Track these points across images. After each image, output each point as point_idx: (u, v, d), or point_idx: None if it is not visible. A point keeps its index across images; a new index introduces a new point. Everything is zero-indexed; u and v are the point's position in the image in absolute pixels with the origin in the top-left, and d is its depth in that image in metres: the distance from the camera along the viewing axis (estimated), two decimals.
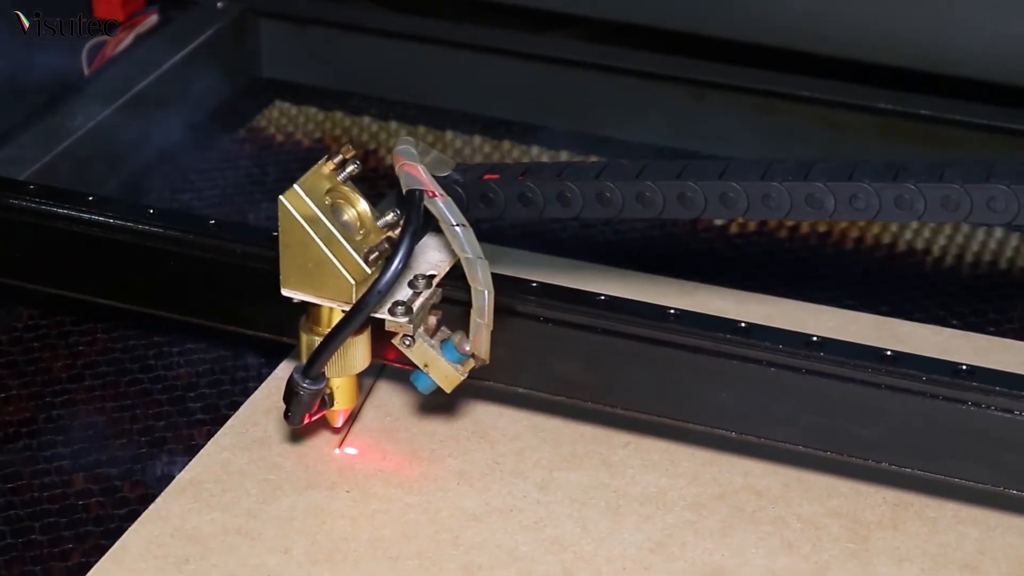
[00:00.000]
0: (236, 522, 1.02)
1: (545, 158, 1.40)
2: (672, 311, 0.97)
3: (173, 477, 1.06)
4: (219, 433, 1.10)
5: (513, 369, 1.00)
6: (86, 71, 1.37)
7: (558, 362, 1.00)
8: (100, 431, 1.10)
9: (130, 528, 1.02)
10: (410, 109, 1.46)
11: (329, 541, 1.01)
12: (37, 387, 1.14)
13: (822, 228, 1.31)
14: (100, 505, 1.05)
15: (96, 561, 1.00)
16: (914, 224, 1.31)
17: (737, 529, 1.02)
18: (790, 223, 1.32)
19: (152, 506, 1.04)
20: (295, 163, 1.40)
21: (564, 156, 1.40)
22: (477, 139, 1.42)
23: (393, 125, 1.44)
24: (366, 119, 1.45)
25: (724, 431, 0.98)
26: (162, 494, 1.05)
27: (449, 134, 1.43)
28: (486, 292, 0.93)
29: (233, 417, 1.11)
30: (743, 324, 0.96)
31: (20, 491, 1.06)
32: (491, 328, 0.95)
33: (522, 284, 1.00)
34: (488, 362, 0.96)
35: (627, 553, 1.00)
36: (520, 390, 1.01)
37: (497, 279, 0.95)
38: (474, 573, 0.99)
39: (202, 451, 1.08)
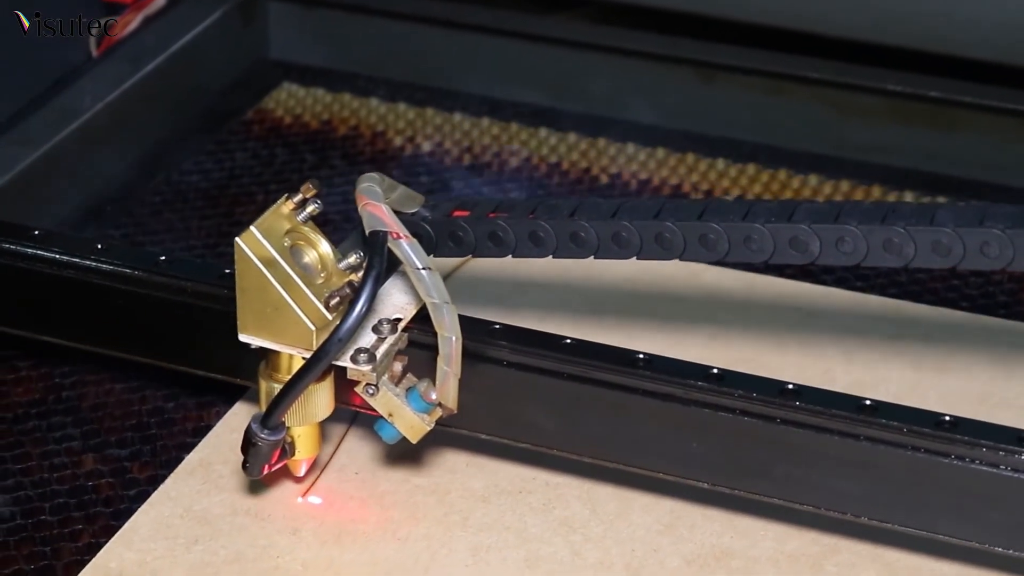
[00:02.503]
0: (245, 503, 1.02)
1: (553, 140, 1.40)
2: (641, 356, 0.94)
3: (182, 459, 1.06)
4: (229, 414, 1.10)
5: (478, 416, 0.96)
6: (94, 53, 1.37)
7: (523, 409, 0.96)
8: (109, 411, 1.10)
9: (139, 509, 1.02)
10: (418, 91, 1.46)
11: (337, 523, 1.01)
12: (47, 367, 1.14)
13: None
14: (110, 486, 1.05)
15: (106, 542, 1.00)
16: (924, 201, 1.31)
17: (745, 512, 1.02)
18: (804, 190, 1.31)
19: (161, 487, 1.04)
20: (303, 144, 1.40)
21: (572, 137, 1.40)
22: (485, 121, 1.42)
23: (401, 107, 1.44)
24: (374, 100, 1.45)
25: (696, 482, 0.94)
26: (171, 475, 1.05)
27: (457, 116, 1.43)
28: (453, 338, 0.89)
29: (243, 398, 1.11)
30: (715, 371, 0.92)
31: (30, 472, 1.06)
32: (459, 376, 0.91)
33: (488, 327, 0.96)
34: (456, 411, 0.92)
35: (635, 535, 1.00)
36: (483, 436, 0.98)
37: (464, 322, 0.90)
38: (482, 555, 1.00)
39: (211, 432, 1.08)
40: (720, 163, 1.36)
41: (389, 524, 1.01)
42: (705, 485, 0.94)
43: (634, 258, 0.93)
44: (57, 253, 1.03)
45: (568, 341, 0.95)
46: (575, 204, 0.95)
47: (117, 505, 1.04)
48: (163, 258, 1.02)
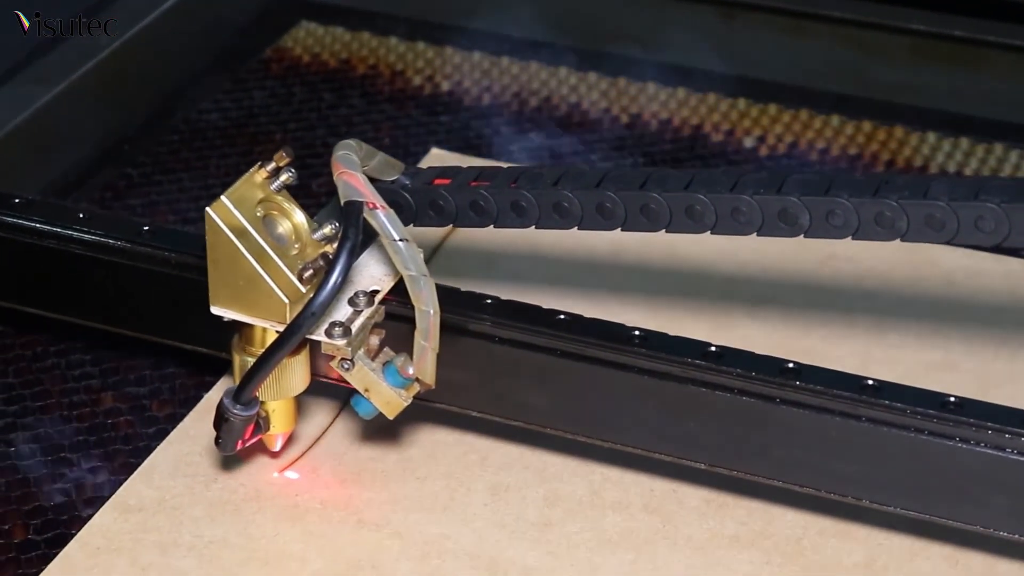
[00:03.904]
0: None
1: (573, 80, 1.39)
2: (637, 332, 0.91)
3: (201, 397, 1.06)
4: None
5: (463, 392, 0.94)
6: None
7: (514, 386, 0.93)
8: (129, 352, 1.10)
9: (159, 447, 1.02)
10: (436, 29, 1.45)
11: (356, 461, 1.01)
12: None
13: (852, 151, 1.30)
14: (128, 424, 1.05)
15: (125, 479, 1.00)
16: (946, 147, 1.30)
17: None
18: (820, 144, 1.31)
19: (180, 425, 1.04)
20: (322, 83, 1.39)
21: (592, 78, 1.39)
22: (505, 60, 1.41)
23: (420, 45, 1.43)
24: (393, 39, 1.44)
25: (692, 463, 0.92)
26: (191, 413, 1.05)
27: (476, 55, 1.42)
28: (431, 311, 0.87)
29: None
30: (714, 348, 0.90)
31: (49, 410, 1.06)
32: (437, 351, 0.88)
33: (474, 300, 0.93)
34: (433, 386, 0.90)
35: (655, 475, 1.00)
36: (473, 414, 0.95)
37: (446, 294, 0.89)
38: (501, 494, 1.00)
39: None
40: (742, 103, 1.36)
41: (408, 463, 1.01)
42: (702, 466, 0.92)
43: (619, 229, 0.90)
44: (38, 222, 1.01)
45: (562, 316, 0.92)
46: (559, 173, 0.92)
47: (136, 443, 1.04)
48: (146, 228, 0.99)
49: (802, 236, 0.87)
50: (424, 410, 1.04)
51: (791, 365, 0.89)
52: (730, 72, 1.38)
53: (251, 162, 1.27)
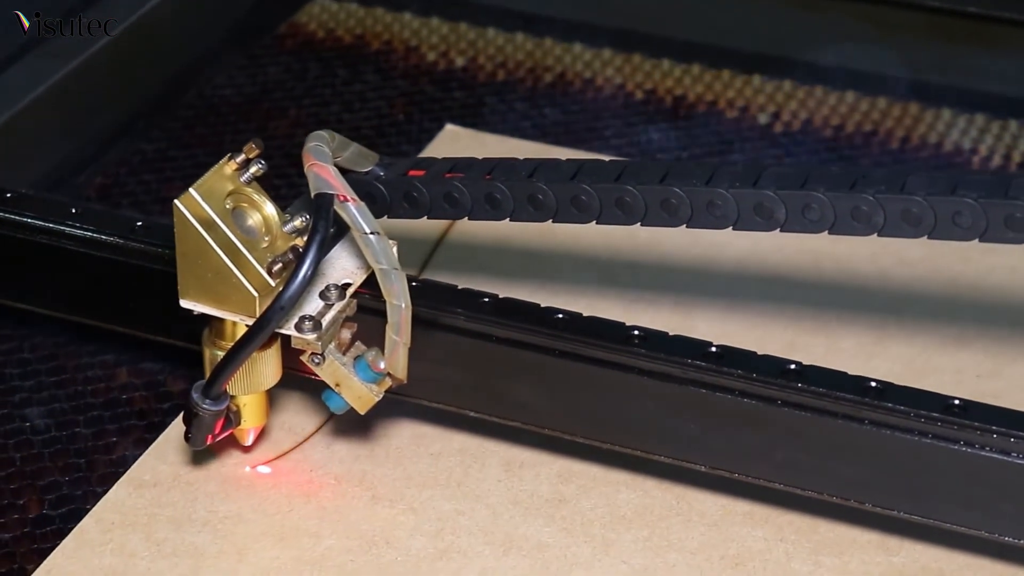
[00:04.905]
0: (279, 419, 1.03)
1: (587, 55, 1.39)
2: (636, 332, 0.90)
3: None
4: None
5: (460, 391, 0.94)
6: None
7: (511, 386, 0.92)
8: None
9: (173, 422, 1.03)
10: (451, 5, 1.45)
11: (371, 436, 1.02)
12: None
13: (867, 127, 1.30)
14: (143, 399, 1.05)
15: (140, 454, 1.01)
16: (961, 123, 1.30)
17: None
18: (835, 121, 1.31)
19: None
20: (336, 59, 1.39)
21: (607, 53, 1.39)
22: (519, 36, 1.41)
23: (435, 21, 1.43)
24: (407, 15, 1.44)
25: (692, 465, 0.91)
26: None
27: (491, 31, 1.42)
28: (402, 305, 0.86)
29: None
30: (714, 348, 0.89)
31: (64, 384, 1.06)
32: (408, 345, 0.87)
33: (471, 299, 0.92)
34: (405, 381, 0.88)
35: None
36: (471, 414, 0.94)
37: (443, 293, 0.88)
38: (515, 471, 1.00)
39: None
40: (756, 79, 1.35)
41: (422, 439, 1.01)
42: (703, 468, 0.91)
43: (594, 222, 0.90)
44: (30, 217, 0.99)
45: (560, 315, 0.91)
46: (534, 165, 0.91)
47: (151, 418, 1.04)
48: (140, 224, 0.98)
49: (778, 230, 0.86)
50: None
51: (793, 366, 0.88)
52: (745, 48, 1.38)
53: (265, 138, 1.28)
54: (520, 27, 1.42)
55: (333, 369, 0.89)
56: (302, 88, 1.36)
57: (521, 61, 1.39)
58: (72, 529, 0.96)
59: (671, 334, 0.90)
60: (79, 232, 0.98)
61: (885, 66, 1.35)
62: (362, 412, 0.90)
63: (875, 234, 0.84)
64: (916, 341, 1.08)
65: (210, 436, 0.91)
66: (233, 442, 0.98)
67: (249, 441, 0.96)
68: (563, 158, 0.92)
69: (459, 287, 0.94)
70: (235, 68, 1.38)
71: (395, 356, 0.87)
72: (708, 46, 1.38)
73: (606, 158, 0.93)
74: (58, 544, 0.95)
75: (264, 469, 1.00)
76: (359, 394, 0.89)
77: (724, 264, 1.15)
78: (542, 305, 0.93)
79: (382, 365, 0.88)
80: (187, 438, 0.91)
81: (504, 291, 0.94)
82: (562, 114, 1.33)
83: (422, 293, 0.91)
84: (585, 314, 0.92)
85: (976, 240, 0.82)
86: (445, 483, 0.99)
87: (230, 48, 1.40)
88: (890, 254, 1.15)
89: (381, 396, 0.89)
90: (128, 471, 0.99)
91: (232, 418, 0.92)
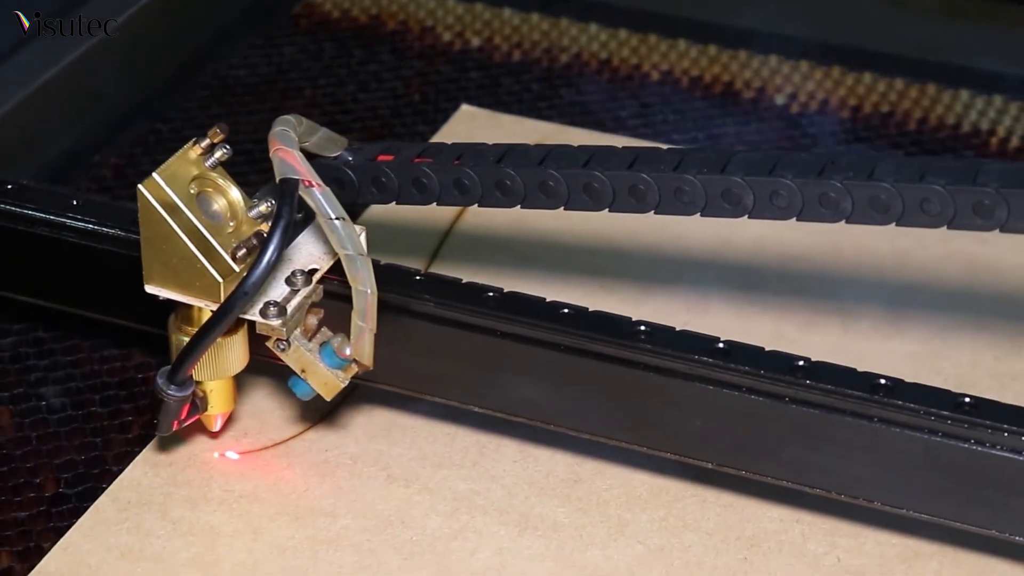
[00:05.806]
0: (294, 399, 1.02)
1: (603, 36, 1.38)
2: (643, 328, 0.89)
3: None
4: None
5: (461, 386, 0.93)
6: None
7: (515, 381, 0.92)
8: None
9: None
10: None
11: (386, 420, 1.02)
12: None
13: (885, 108, 1.30)
14: None
15: (156, 433, 1.01)
16: (979, 105, 1.29)
17: None
18: (853, 102, 1.30)
19: None
20: (352, 39, 1.39)
21: (623, 34, 1.38)
22: (535, 16, 1.41)
23: (450, 2, 1.43)
24: None
25: (698, 462, 0.90)
26: None
27: (507, 11, 1.41)
28: (368, 291, 0.85)
29: None
30: (722, 344, 0.88)
31: (80, 364, 1.06)
32: (375, 331, 0.86)
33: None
34: (372, 367, 0.88)
35: None
36: (476, 409, 0.94)
37: (450, 287, 0.87)
38: (530, 451, 1.00)
39: None
40: (773, 60, 1.35)
41: (438, 420, 1.01)
42: (709, 465, 0.90)
43: (562, 208, 0.89)
44: (31, 209, 0.99)
45: (565, 310, 0.91)
46: (502, 151, 0.91)
47: None
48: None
49: (746, 217, 0.85)
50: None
51: (801, 363, 0.87)
52: (762, 29, 1.37)
53: None
54: (536, 7, 1.42)
55: (299, 355, 0.88)
56: (317, 68, 1.36)
57: (537, 41, 1.38)
58: (88, 508, 0.96)
59: (678, 329, 0.89)
60: (80, 224, 0.98)
61: (903, 47, 1.35)
62: (328, 398, 0.89)
63: (843, 221, 0.83)
64: (933, 322, 1.08)
65: (176, 422, 0.91)
66: (254, 423, 0.98)
67: (217, 427, 0.96)
68: (578, 140, 0.92)
69: (463, 281, 0.93)
70: (250, 48, 1.38)
71: (361, 342, 0.87)
72: (725, 26, 1.38)
73: (618, 143, 0.93)
74: (74, 522, 0.95)
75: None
76: (325, 380, 0.88)
77: (741, 244, 1.15)
78: (547, 300, 0.92)
79: (348, 351, 0.87)
80: (153, 424, 0.91)
81: (512, 283, 0.94)
82: (578, 95, 1.32)
83: (426, 288, 0.91)
84: (591, 308, 0.91)
85: (944, 227, 0.81)
86: (460, 463, 0.99)
87: (246, 28, 1.40)
88: (906, 233, 1.15)
89: (347, 382, 0.89)
90: (144, 450, 0.99)
91: (199, 404, 0.92)
